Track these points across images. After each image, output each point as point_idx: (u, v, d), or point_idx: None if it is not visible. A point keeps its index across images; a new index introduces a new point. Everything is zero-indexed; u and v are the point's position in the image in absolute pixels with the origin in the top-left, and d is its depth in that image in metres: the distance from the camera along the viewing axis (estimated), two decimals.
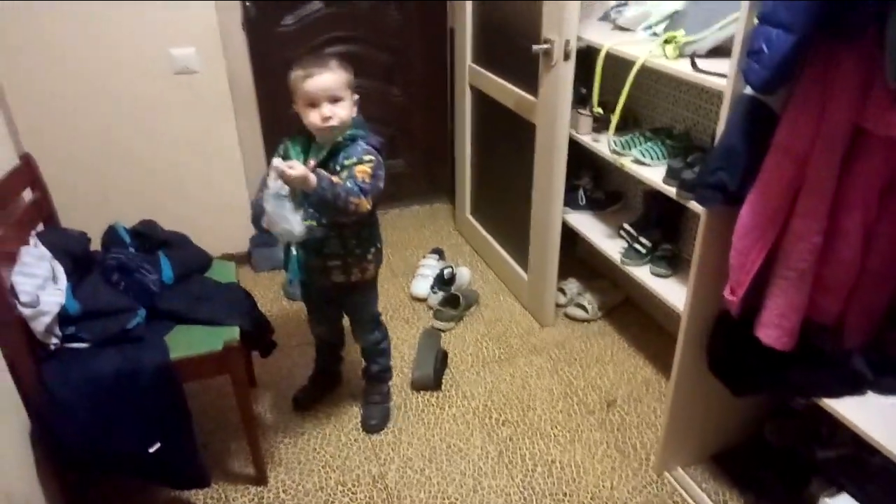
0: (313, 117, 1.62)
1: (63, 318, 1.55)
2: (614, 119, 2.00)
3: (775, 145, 1.32)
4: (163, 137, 2.58)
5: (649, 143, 2.07)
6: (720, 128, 1.45)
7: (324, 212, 1.62)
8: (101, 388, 1.53)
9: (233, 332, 1.70)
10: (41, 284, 1.52)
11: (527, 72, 2.27)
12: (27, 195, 1.78)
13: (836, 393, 1.43)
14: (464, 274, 2.74)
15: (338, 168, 1.63)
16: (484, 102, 2.74)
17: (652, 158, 2.02)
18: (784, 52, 1.17)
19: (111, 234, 1.88)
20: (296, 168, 1.49)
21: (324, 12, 2.88)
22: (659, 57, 1.87)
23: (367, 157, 1.63)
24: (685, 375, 1.72)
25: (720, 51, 1.79)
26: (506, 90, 2.47)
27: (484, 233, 2.95)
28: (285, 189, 1.51)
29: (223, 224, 2.78)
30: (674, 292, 2.04)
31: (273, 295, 2.73)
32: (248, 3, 2.65)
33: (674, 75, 1.83)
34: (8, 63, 2.26)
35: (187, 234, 2.01)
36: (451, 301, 2.54)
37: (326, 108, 1.60)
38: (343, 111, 1.62)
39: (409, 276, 2.80)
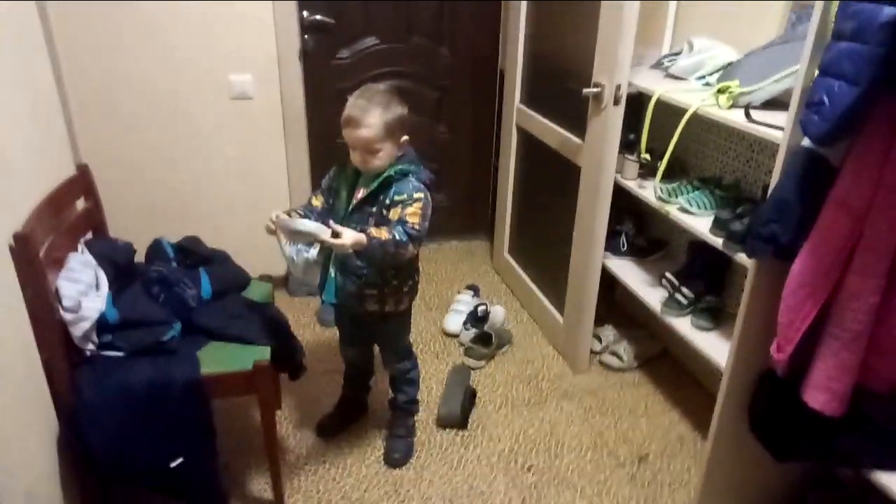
0: (353, 157, 1.65)
1: (101, 325, 1.57)
2: (662, 166, 1.98)
3: (832, 199, 1.28)
4: (214, 158, 2.65)
5: (697, 192, 2.03)
6: (773, 179, 1.42)
7: (370, 263, 1.65)
8: (131, 398, 1.54)
9: (263, 352, 1.70)
10: (84, 290, 1.55)
11: (575, 114, 2.27)
12: (80, 204, 1.83)
13: (888, 466, 1.34)
14: (498, 313, 2.70)
15: (387, 202, 1.63)
16: (530, 143, 2.75)
17: (699, 208, 1.98)
18: (846, 104, 1.14)
19: (156, 248, 1.91)
20: (345, 238, 1.50)
21: (378, 48, 2.95)
22: (712, 106, 1.85)
23: (416, 195, 1.63)
24: (724, 435, 1.64)
25: (775, 103, 1.77)
26: (552, 132, 2.47)
27: (521, 273, 2.92)
28: (319, 255, 1.54)
29: (264, 246, 2.79)
30: (715, 347, 1.96)
31: (307, 320, 2.73)
32: (306, 36, 2.73)
33: (726, 125, 1.81)
34: (76, 77, 2.37)
35: (230, 253, 2.04)
36: (483, 339, 2.50)
37: (359, 157, 1.63)
38: (380, 161, 1.62)
39: (442, 311, 2.78)
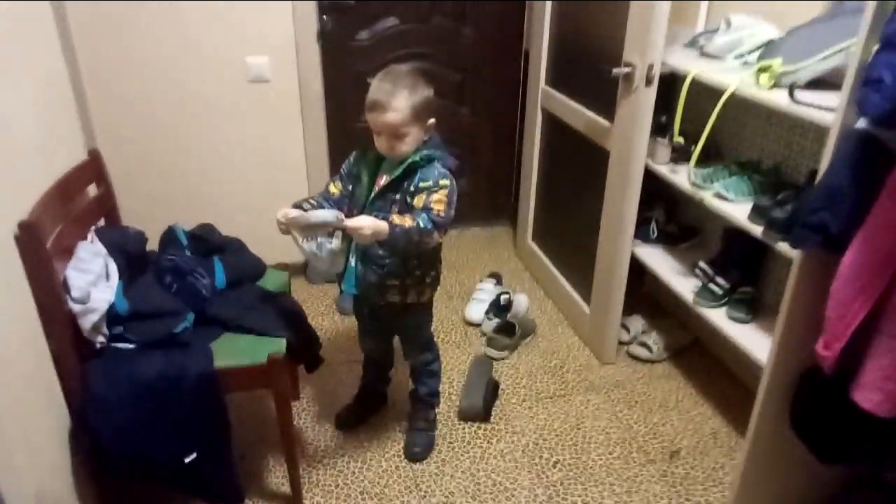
0: (378, 143, 1.58)
1: (111, 316, 1.52)
2: (696, 150, 1.87)
3: (890, 186, 1.17)
4: (230, 143, 2.59)
5: (734, 178, 1.92)
6: (823, 164, 1.31)
7: (394, 252, 1.59)
8: (143, 392, 1.49)
9: (279, 345, 1.64)
10: (93, 281, 1.50)
11: (603, 96, 2.16)
12: (91, 190, 1.78)
13: None
14: (521, 301, 2.62)
15: (412, 188, 1.56)
16: (555, 126, 2.64)
17: (736, 194, 1.87)
18: None
19: (169, 235, 1.86)
20: (365, 226, 1.43)
21: (398, 29, 2.85)
22: (751, 86, 1.73)
23: (443, 182, 1.55)
24: (763, 434, 1.55)
25: (821, 83, 1.65)
26: (579, 114, 2.36)
27: (545, 260, 2.83)
28: (343, 243, 1.49)
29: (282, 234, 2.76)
30: (753, 340, 1.86)
31: (325, 308, 2.68)
32: (324, 17, 2.65)
33: (766, 106, 1.69)
34: (92, 61, 2.32)
35: (245, 241, 1.99)
36: (507, 329, 2.42)
37: (385, 144, 1.55)
38: (406, 146, 1.55)
39: (464, 300, 2.70)
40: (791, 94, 1.59)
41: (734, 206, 1.86)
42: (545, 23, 2.57)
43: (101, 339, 1.50)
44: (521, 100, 3.12)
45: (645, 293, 2.73)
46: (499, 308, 2.54)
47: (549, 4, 2.53)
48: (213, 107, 2.52)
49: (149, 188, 2.54)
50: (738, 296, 1.97)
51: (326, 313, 2.65)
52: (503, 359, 2.38)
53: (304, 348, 1.79)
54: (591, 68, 2.28)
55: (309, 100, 2.64)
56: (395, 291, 1.69)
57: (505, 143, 3.27)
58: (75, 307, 1.44)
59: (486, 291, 2.65)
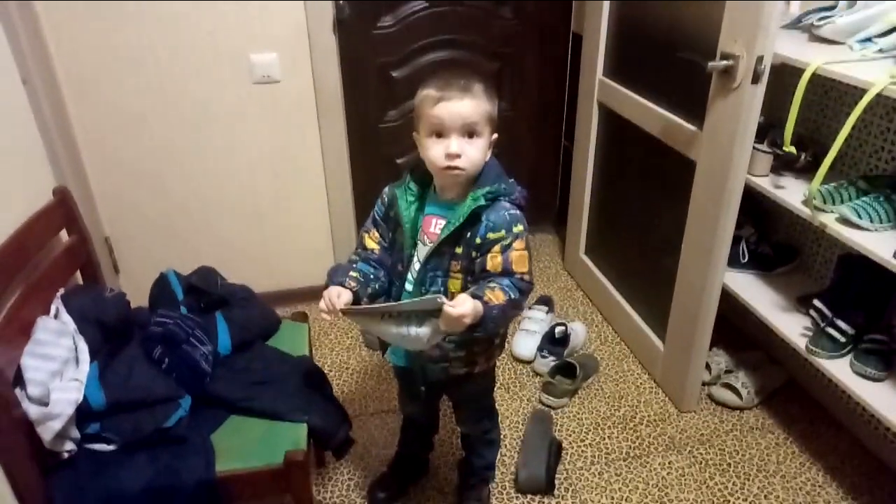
0: (436, 152, 1.18)
1: (83, 412, 1.18)
2: (825, 165, 1.45)
3: None
4: (237, 155, 2.23)
5: (867, 198, 1.52)
6: None
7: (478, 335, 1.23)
8: None
9: (298, 433, 1.30)
10: (57, 370, 1.16)
11: (686, 93, 1.76)
12: (61, 238, 1.43)
13: None
14: (579, 333, 2.25)
15: (477, 240, 1.19)
16: (615, 124, 2.23)
17: (872, 220, 1.47)
18: None
19: (161, 287, 1.52)
20: (467, 313, 1.07)
21: (428, 12, 2.45)
22: None
23: (516, 229, 1.19)
24: None
25: None
26: (651, 114, 1.96)
27: (602, 278, 2.45)
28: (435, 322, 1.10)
29: (301, 252, 2.43)
30: (887, 401, 1.48)
31: (351, 342, 2.33)
32: (340, 2, 2.25)
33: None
34: (71, 68, 1.97)
35: (255, 278, 1.64)
36: (566, 370, 2.05)
37: (455, 144, 1.16)
38: (476, 152, 1.18)
39: (510, 327, 2.34)
40: None
41: (869, 235, 1.46)
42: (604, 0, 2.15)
43: (68, 446, 1.17)
44: (567, 91, 2.72)
45: (721, 317, 2.32)
46: (553, 342, 2.17)
47: None
48: (213, 115, 2.15)
49: (145, 210, 2.22)
50: (867, 345, 1.58)
51: (352, 348, 2.30)
52: (562, 406, 2.02)
53: (331, 431, 1.43)
54: (667, 57, 1.87)
55: (326, 100, 2.26)
56: (461, 363, 1.33)
57: (549, 139, 2.87)
58: (32, 411, 1.10)
59: (536, 321, 2.28)
